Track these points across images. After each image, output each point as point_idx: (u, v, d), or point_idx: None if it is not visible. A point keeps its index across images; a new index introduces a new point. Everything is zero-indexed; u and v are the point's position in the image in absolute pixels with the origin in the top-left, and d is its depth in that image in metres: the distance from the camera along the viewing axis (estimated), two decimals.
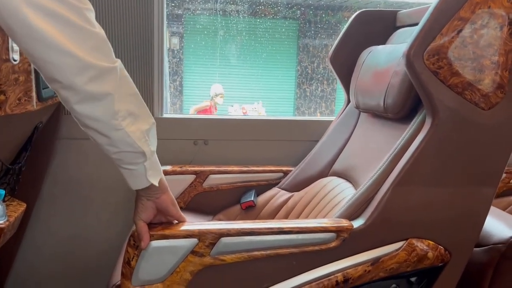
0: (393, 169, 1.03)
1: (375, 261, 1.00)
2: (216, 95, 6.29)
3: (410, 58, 0.96)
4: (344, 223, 0.99)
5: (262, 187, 1.52)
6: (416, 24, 1.28)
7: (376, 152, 1.20)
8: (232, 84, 7.24)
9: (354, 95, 1.37)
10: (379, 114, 1.28)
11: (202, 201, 1.50)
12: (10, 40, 0.88)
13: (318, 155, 1.49)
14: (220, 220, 1.47)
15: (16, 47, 0.90)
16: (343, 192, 1.26)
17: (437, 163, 1.00)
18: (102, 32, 0.74)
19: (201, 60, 7.22)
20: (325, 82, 7.99)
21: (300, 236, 0.97)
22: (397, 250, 1.01)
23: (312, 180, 1.45)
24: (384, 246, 1.01)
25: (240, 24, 7.26)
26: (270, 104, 7.42)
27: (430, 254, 1.02)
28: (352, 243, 0.99)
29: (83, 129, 0.79)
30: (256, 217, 1.46)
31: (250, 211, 1.47)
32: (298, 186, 1.47)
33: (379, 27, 1.44)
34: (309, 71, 7.92)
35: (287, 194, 1.47)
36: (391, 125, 1.22)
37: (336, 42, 1.48)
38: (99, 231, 1.57)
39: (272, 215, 1.45)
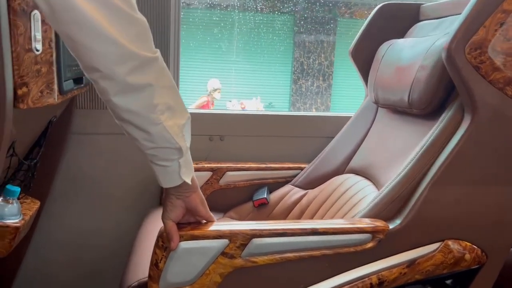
0: (422, 167, 1.00)
1: (411, 263, 0.97)
2: (214, 90, 6.22)
3: (451, 52, 0.92)
4: (380, 223, 0.96)
5: (279, 185, 1.48)
6: (440, 18, 1.25)
7: (399, 149, 1.16)
8: (227, 79, 7.20)
9: (373, 90, 1.33)
10: (401, 110, 1.24)
11: (217, 199, 1.45)
12: (32, 29, 0.83)
13: (333, 151, 1.45)
14: (231, 217, 1.43)
15: (38, 36, 0.84)
16: (363, 191, 1.22)
17: (476, 161, 0.97)
18: (144, 19, 0.70)
19: (197, 55, 7.16)
20: (320, 77, 7.96)
21: (335, 237, 0.93)
22: (433, 251, 0.98)
23: (327, 178, 1.41)
24: (420, 247, 0.98)
25: (236, 18, 7.20)
26: (265, 99, 7.39)
27: (467, 256, 0.99)
28: (388, 244, 0.95)
29: (118, 123, 0.74)
30: (269, 215, 1.42)
31: (262, 208, 1.42)
32: (312, 183, 1.43)
33: (402, 20, 1.40)
34: (305, 67, 7.89)
35: (301, 192, 1.43)
36: (415, 121, 1.18)
37: (357, 35, 1.44)
38: (111, 228, 1.53)
39: (285, 213, 1.40)
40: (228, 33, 7.25)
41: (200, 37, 7.12)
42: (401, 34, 1.39)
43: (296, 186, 1.45)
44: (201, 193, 0.87)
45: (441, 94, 1.06)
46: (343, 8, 7.79)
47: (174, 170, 0.79)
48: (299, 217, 1.37)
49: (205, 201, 0.89)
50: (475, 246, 1.00)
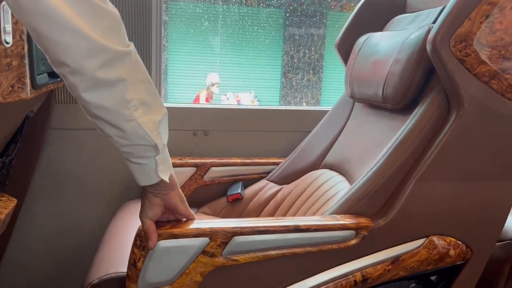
0: (392, 163, 0.97)
1: (395, 260, 0.95)
2: (212, 85, 6.20)
3: (436, 44, 0.90)
4: (364, 220, 0.94)
5: None
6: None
7: (373, 144, 1.14)
8: (216, 72, 7.15)
9: (349, 84, 1.31)
10: (376, 105, 1.22)
11: (201, 195, 1.42)
12: (1, 21, 0.79)
13: (309, 146, 1.42)
14: (205, 213, 1.40)
15: (8, 28, 0.81)
16: (336, 186, 1.20)
17: (460, 156, 0.95)
18: (116, 11, 0.67)
19: (186, 48, 7.10)
20: (311, 71, 7.95)
21: (318, 234, 0.91)
22: (418, 247, 0.97)
23: (303, 173, 1.38)
24: (404, 243, 0.96)
25: (224, 12, 7.15)
26: (255, 93, 7.36)
27: (452, 252, 0.98)
28: (372, 241, 0.94)
29: (90, 119, 0.71)
30: (243, 210, 1.39)
31: (237, 204, 1.40)
32: (287, 178, 1.40)
33: (389, 12, 1.37)
34: (295, 60, 7.86)
35: (276, 187, 1.40)
36: (390, 116, 1.16)
37: (343, 28, 1.41)
38: (92, 226, 1.49)
39: (260, 209, 1.38)
40: (217, 27, 7.20)
41: (190, 31, 7.06)
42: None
43: (271, 181, 1.42)
44: (180, 190, 0.85)
45: (414, 88, 1.04)
46: (333, 1, 7.76)
47: (151, 168, 0.76)
48: (274, 212, 1.34)
49: (185, 198, 0.86)
50: (459, 242, 0.99)
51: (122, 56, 0.67)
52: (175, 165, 1.37)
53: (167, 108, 1.47)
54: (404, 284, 0.99)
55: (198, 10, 7.04)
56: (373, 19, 1.37)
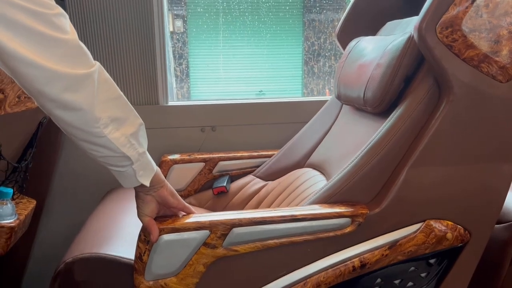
0: (364, 165, 0.99)
1: (392, 245, 0.98)
2: None
3: (422, 32, 0.91)
4: (359, 207, 0.96)
5: None
6: None
7: (354, 146, 1.15)
8: (238, 65, 7.15)
9: (336, 86, 1.32)
10: (359, 107, 1.23)
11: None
12: None
13: (296, 145, 1.44)
14: (190, 203, 1.43)
15: None
16: (315, 185, 1.22)
17: (453, 141, 0.96)
18: (74, 37, 0.70)
19: (206, 42, 7.13)
20: (332, 58, 7.87)
21: (314, 222, 0.94)
22: (414, 232, 0.98)
23: (288, 170, 1.41)
24: (401, 229, 0.98)
25: (243, 3, 7.13)
26: (277, 83, 7.32)
27: (449, 235, 0.99)
28: (368, 227, 0.96)
29: (66, 133, 0.75)
30: (228, 203, 1.42)
31: (221, 196, 1.43)
32: (273, 175, 1.43)
33: (385, 1, 1.37)
34: (316, 48, 7.79)
35: (261, 183, 1.43)
36: (372, 118, 1.17)
37: (342, 18, 1.42)
38: None
39: (244, 203, 1.41)
40: (236, 19, 7.19)
41: (208, 25, 7.08)
42: (392, 14, 1.36)
43: (258, 177, 1.45)
44: (169, 186, 0.89)
45: (392, 93, 1.04)
46: None
47: (130, 175, 0.80)
48: (256, 207, 1.37)
49: (176, 192, 0.91)
50: (457, 225, 1.00)
51: (85, 79, 0.70)
52: (184, 161, 1.44)
53: (175, 106, 1.54)
54: (403, 268, 1.01)
55: (218, 3, 7.05)
56: (371, 8, 1.38)
